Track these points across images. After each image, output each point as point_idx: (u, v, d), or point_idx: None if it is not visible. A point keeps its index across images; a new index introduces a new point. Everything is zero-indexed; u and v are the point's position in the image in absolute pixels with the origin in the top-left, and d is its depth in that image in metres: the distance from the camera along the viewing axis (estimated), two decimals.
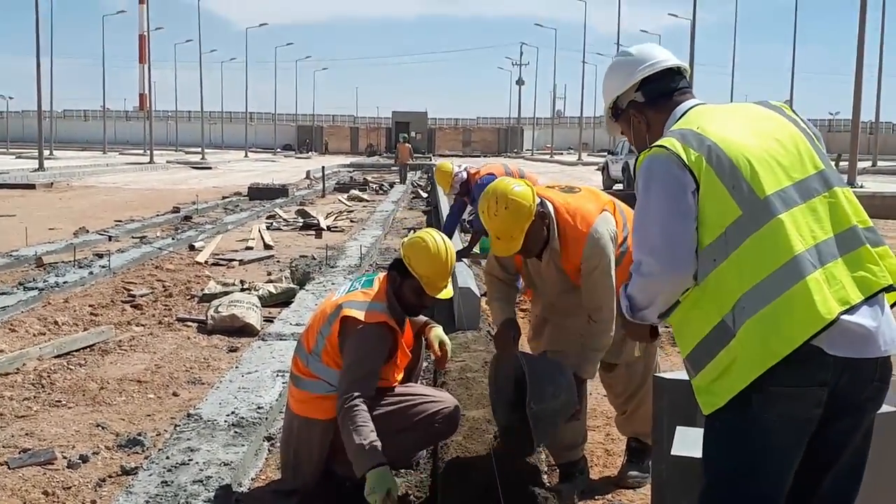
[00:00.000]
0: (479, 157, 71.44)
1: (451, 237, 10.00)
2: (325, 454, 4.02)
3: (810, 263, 2.34)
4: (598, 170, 35.63)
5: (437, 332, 4.38)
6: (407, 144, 35.19)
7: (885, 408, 2.74)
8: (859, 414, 2.47)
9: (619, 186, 27.25)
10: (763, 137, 2.52)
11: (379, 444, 3.70)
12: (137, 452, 4.64)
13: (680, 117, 2.66)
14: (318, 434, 4.01)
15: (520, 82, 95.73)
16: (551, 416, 3.86)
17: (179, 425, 4.74)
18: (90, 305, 8.40)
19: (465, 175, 9.60)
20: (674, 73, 2.78)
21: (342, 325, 3.93)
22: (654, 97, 2.76)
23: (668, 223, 2.45)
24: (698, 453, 2.91)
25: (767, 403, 2.34)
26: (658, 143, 2.53)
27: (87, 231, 14.55)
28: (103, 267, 10.44)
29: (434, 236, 4.07)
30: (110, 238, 13.89)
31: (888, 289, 2.42)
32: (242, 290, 8.77)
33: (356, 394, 3.80)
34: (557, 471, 4.42)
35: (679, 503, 2.91)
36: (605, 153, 37.81)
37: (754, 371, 2.31)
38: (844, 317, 2.30)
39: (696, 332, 2.44)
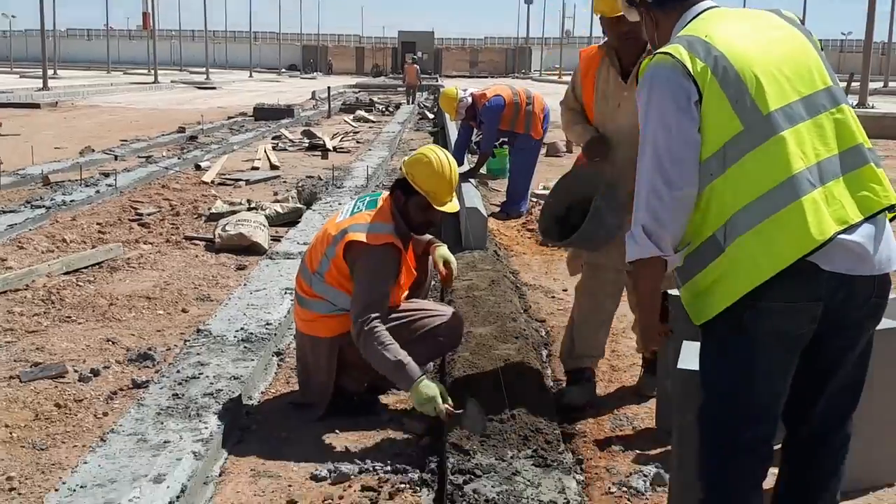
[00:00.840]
0: (486, 77, 70.62)
1: (460, 163, 9.97)
2: (333, 370, 4.07)
3: (809, 182, 2.31)
4: None
5: (442, 250, 4.39)
6: (415, 65, 34.80)
7: (884, 322, 2.75)
8: (857, 330, 2.47)
9: None
10: (774, 49, 2.46)
11: (410, 358, 3.79)
12: (148, 367, 4.69)
13: (691, 20, 2.58)
14: (324, 351, 4.07)
15: (528, 1, 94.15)
16: (594, 239, 4.07)
17: (189, 340, 4.78)
18: (98, 223, 8.41)
19: (469, 99, 9.49)
20: None
21: (347, 249, 3.94)
22: None
23: (669, 136, 2.40)
24: None
25: (759, 319, 2.34)
26: (664, 49, 2.47)
27: (93, 150, 14.48)
28: (110, 186, 10.43)
29: (436, 151, 4.08)
30: (116, 157, 13.84)
31: (890, 208, 2.39)
32: (249, 209, 8.76)
33: (372, 315, 3.83)
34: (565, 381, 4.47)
35: (685, 416, 2.93)
36: None
37: (742, 287, 2.32)
38: (842, 236, 2.29)
39: (690, 242, 2.44)
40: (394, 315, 4.09)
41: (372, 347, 3.81)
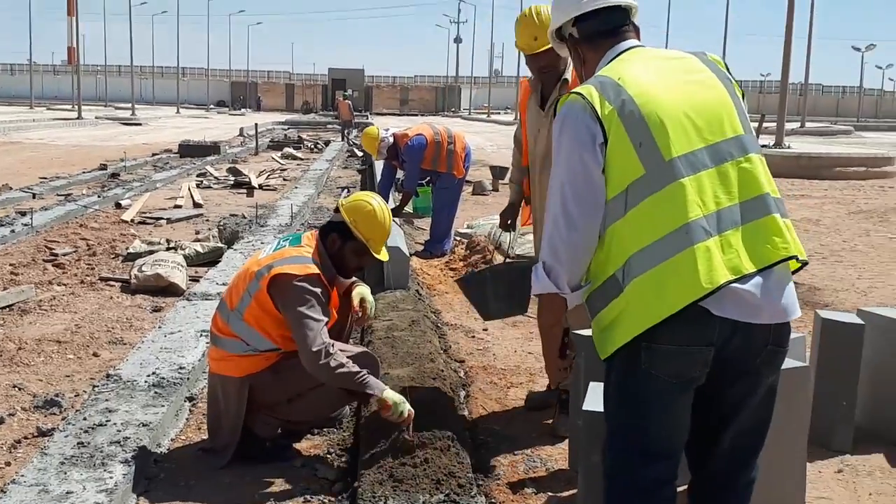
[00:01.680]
0: (416, 115, 71.05)
1: (385, 200, 9.98)
2: (243, 411, 4.01)
3: (703, 230, 2.35)
4: None
5: (361, 289, 4.41)
6: (346, 101, 34.91)
7: (789, 363, 2.83)
8: (755, 376, 2.51)
9: None
10: (686, 95, 2.50)
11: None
12: (55, 413, 4.56)
13: (612, 59, 2.63)
14: (233, 391, 4.01)
15: (457, 40, 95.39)
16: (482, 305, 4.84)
17: (98, 386, 4.67)
18: (10, 264, 8.19)
19: (391, 139, 9.55)
20: (617, 11, 2.70)
21: (272, 283, 3.90)
22: (590, 35, 2.72)
23: (574, 176, 2.46)
24: None
25: (654, 360, 2.39)
26: (578, 89, 2.51)
27: (10, 188, 14.14)
28: (25, 225, 10.18)
29: (376, 200, 4.19)
30: (34, 195, 13.53)
31: (792, 258, 2.43)
32: (168, 248, 8.63)
33: (326, 343, 3.85)
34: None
35: (590, 457, 2.96)
36: None
37: (636, 328, 2.37)
38: (735, 285, 2.33)
39: (594, 280, 2.50)
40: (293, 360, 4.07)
41: (334, 373, 3.86)
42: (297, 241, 4.10)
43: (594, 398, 3.05)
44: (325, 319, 3.93)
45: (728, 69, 2.66)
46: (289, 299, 3.88)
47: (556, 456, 4.16)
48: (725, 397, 2.50)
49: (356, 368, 3.89)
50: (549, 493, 3.77)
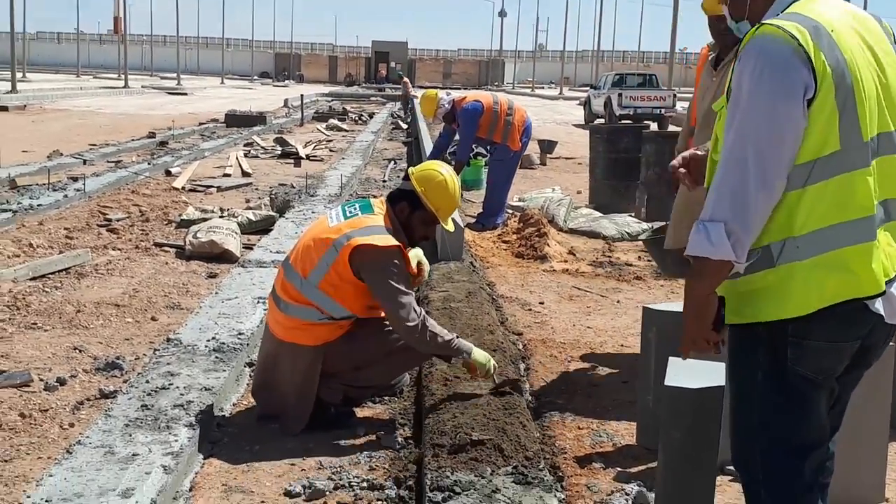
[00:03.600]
0: (459, 89, 70.68)
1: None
2: (317, 380, 3.97)
3: (877, 224, 2.18)
4: (579, 104, 35.37)
5: (416, 251, 4.36)
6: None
7: None
8: (868, 367, 2.43)
9: (600, 121, 27.04)
10: (878, 67, 2.23)
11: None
12: (116, 376, 4.55)
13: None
14: (306, 361, 3.96)
15: (502, 14, 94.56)
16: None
17: (159, 349, 4.66)
18: (65, 229, 8.23)
19: (450, 103, 9.40)
20: None
21: (355, 254, 3.86)
22: None
23: (776, 127, 2.12)
24: (692, 384, 2.89)
25: (803, 356, 2.24)
26: (781, 23, 2.15)
27: (62, 154, 14.25)
28: (78, 190, 10.25)
29: (446, 170, 4.18)
30: (85, 162, 13.63)
31: None
32: (221, 216, 8.63)
33: (420, 312, 3.90)
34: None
35: (671, 433, 2.87)
36: (588, 87, 37.52)
37: (790, 310, 2.19)
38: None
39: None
40: (373, 327, 4.02)
41: (432, 343, 3.91)
42: (368, 209, 4.04)
43: (675, 373, 2.95)
44: (413, 292, 3.94)
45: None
46: (376, 272, 3.87)
47: (623, 431, 4.08)
48: (841, 382, 2.39)
49: (449, 336, 3.95)
50: (619, 469, 3.69)
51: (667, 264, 5.22)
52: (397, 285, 3.86)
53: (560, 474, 3.65)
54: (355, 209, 4.07)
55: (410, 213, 4.07)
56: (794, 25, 2.14)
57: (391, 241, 3.90)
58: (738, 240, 2.14)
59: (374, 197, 4.28)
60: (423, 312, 3.97)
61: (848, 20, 2.26)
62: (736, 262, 2.18)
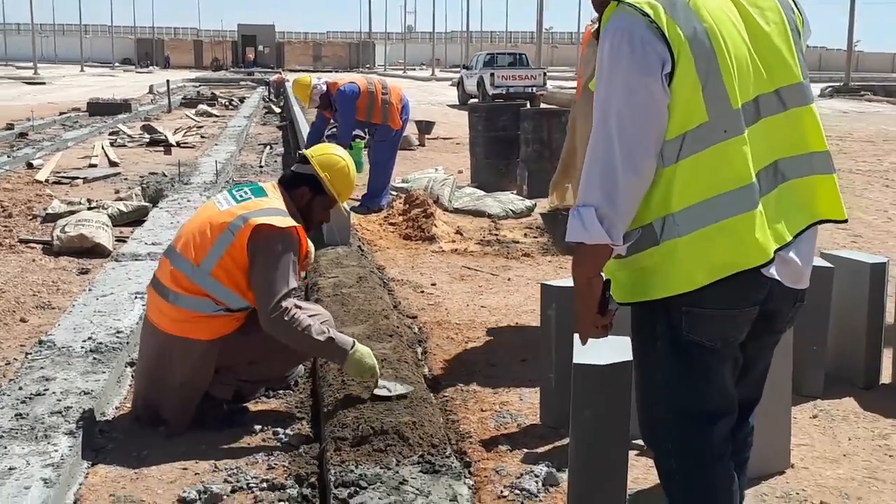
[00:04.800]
0: (330, 72, 69.91)
1: None
2: (209, 377, 3.76)
3: (758, 191, 2.11)
4: (452, 85, 35.49)
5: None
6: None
7: None
8: (778, 334, 2.41)
9: (474, 101, 27.12)
10: (753, 28, 2.17)
11: (333, 329, 3.83)
12: None
13: None
14: (199, 355, 3.73)
15: None
16: None
17: (31, 353, 4.33)
18: None
19: (324, 87, 9.17)
20: None
21: (253, 235, 3.66)
22: None
23: (636, 106, 2.06)
24: (600, 360, 2.83)
25: (698, 325, 2.18)
26: (636, 1, 2.07)
27: None
28: None
29: (345, 155, 4.14)
30: None
31: (828, 220, 2.28)
32: (90, 208, 8.18)
33: (289, 301, 3.66)
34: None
35: (582, 412, 2.81)
36: (461, 68, 37.61)
37: (680, 285, 2.13)
38: (782, 251, 2.15)
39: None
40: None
41: (296, 334, 3.66)
42: (261, 192, 3.86)
43: (582, 350, 2.88)
44: (296, 284, 3.75)
45: None
46: (264, 251, 3.67)
47: (526, 411, 4.01)
48: (746, 350, 2.35)
49: (320, 336, 3.68)
50: (526, 450, 3.61)
51: (560, 238, 5.27)
52: (277, 271, 3.65)
53: (467, 459, 3.55)
54: (246, 193, 3.87)
55: (311, 198, 3.96)
56: (647, 1, 2.07)
57: (291, 222, 3.75)
58: (612, 224, 2.09)
59: (268, 181, 4.08)
60: (295, 307, 3.68)
61: None
62: (613, 246, 2.13)
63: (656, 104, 2.06)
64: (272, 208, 3.78)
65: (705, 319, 2.18)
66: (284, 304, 3.63)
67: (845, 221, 2.32)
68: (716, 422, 2.34)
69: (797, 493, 3.27)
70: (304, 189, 3.96)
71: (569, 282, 3.90)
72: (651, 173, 2.11)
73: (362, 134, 9.58)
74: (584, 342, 2.38)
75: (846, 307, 4.26)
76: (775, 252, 2.13)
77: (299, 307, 3.74)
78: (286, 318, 3.62)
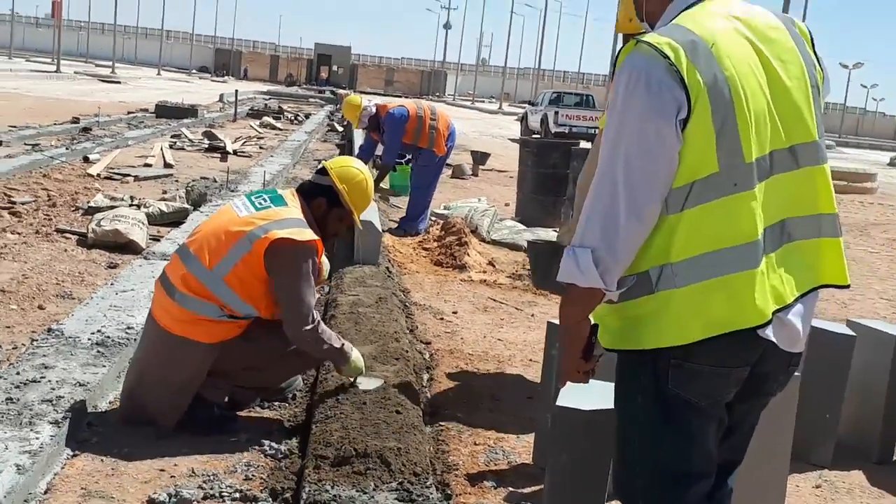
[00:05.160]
0: (399, 97, 70.57)
1: None
2: (202, 379, 3.75)
3: (762, 249, 2.03)
4: (517, 120, 35.50)
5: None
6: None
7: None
8: (768, 396, 2.30)
9: (536, 137, 27.10)
10: (773, 81, 2.09)
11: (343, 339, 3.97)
12: None
13: (692, 4, 2.14)
14: (196, 357, 3.72)
15: (447, 26, 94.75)
16: None
17: (37, 340, 4.36)
18: None
19: (374, 109, 9.21)
20: None
21: (271, 248, 3.66)
22: None
23: (647, 151, 1.98)
24: (584, 405, 2.73)
25: (685, 379, 2.08)
26: (654, 40, 2.01)
27: None
28: None
29: (364, 169, 4.15)
30: (0, 143, 13.08)
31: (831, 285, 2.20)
32: (131, 205, 8.28)
33: (316, 317, 3.78)
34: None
35: (560, 456, 2.72)
36: (526, 104, 37.68)
37: (672, 338, 2.04)
38: (780, 313, 2.06)
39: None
40: (268, 327, 3.80)
41: (320, 343, 3.80)
42: (280, 201, 3.87)
43: (567, 394, 2.79)
44: (316, 296, 3.84)
45: (814, 46, 2.23)
46: (287, 267, 3.69)
47: (520, 449, 3.91)
48: (733, 411, 2.23)
49: (339, 345, 3.86)
50: (511, 489, 3.52)
51: (537, 276, 5.20)
52: (304, 284, 3.70)
53: (448, 492, 3.46)
54: (265, 201, 3.87)
55: (328, 209, 3.96)
56: (668, 42, 2.00)
57: (310, 234, 3.76)
58: (607, 268, 2.01)
59: (280, 190, 4.07)
60: (319, 317, 3.81)
61: (737, 31, 2.10)
62: (606, 291, 2.04)
63: (668, 149, 1.99)
64: (292, 219, 3.78)
65: (694, 375, 2.09)
66: (313, 317, 3.74)
67: (847, 287, 2.23)
68: (693, 484, 2.23)
69: None
70: (321, 200, 3.96)
71: None
72: (654, 220, 2.03)
73: (405, 158, 9.60)
74: (562, 385, 2.30)
75: (866, 378, 4.10)
76: (773, 313, 2.04)
77: (323, 326, 3.86)
78: (318, 333, 3.75)
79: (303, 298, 3.70)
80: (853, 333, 4.01)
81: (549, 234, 9.01)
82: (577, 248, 2.03)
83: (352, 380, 3.97)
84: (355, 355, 3.95)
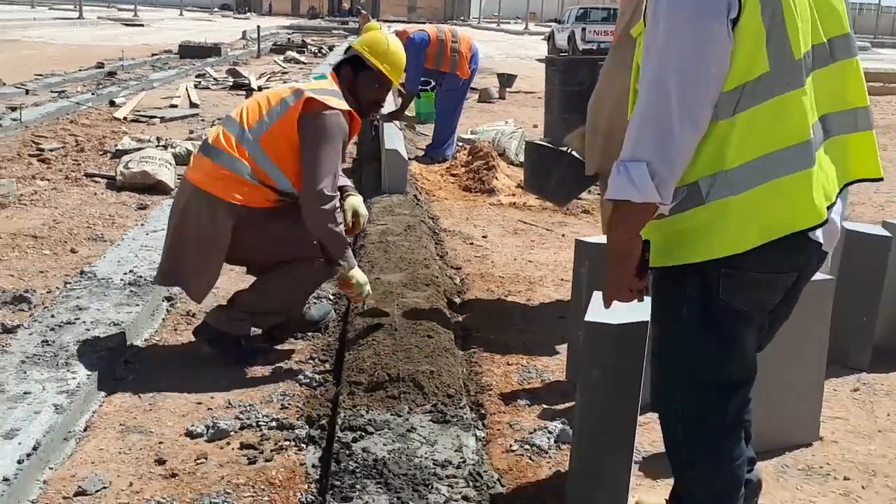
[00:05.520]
0: (423, 23, 69.60)
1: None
2: (224, 242, 3.72)
3: (815, 147, 1.99)
4: (544, 39, 34.90)
5: (354, 200, 4.12)
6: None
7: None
8: (798, 295, 2.27)
9: (564, 55, 26.66)
10: None
11: None
12: (23, 310, 4.29)
13: None
14: (218, 215, 3.69)
15: None
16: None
17: (70, 282, 4.41)
18: None
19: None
20: None
21: (306, 108, 3.69)
22: None
23: (700, 53, 1.92)
24: (613, 319, 2.70)
25: (737, 289, 2.07)
26: None
27: (3, 84, 13.69)
28: (14, 120, 9.81)
29: (388, 35, 4.08)
30: (27, 91, 13.09)
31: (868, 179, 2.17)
32: (158, 146, 8.28)
33: (332, 189, 3.70)
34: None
35: (590, 371, 2.69)
36: (552, 23, 37.01)
37: (720, 251, 2.01)
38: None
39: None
40: (287, 220, 3.77)
41: (328, 226, 3.70)
42: (320, 77, 3.91)
43: (597, 308, 2.76)
44: (341, 166, 3.81)
45: None
46: (317, 130, 3.70)
47: (553, 367, 3.91)
48: (769, 318, 2.22)
49: (345, 238, 3.81)
50: (544, 406, 3.52)
51: (530, 179, 5.05)
52: (328, 150, 3.69)
53: (483, 412, 3.48)
54: (309, 79, 3.89)
55: (354, 76, 3.94)
56: None
57: (343, 104, 3.78)
58: (663, 180, 1.94)
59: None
60: (337, 199, 3.77)
61: None
62: (661, 204, 1.98)
63: (721, 50, 1.93)
64: (328, 89, 3.83)
65: (746, 284, 2.07)
66: (330, 189, 3.68)
67: (881, 179, 2.19)
68: (735, 393, 2.24)
69: (821, 467, 3.11)
70: (347, 69, 3.96)
71: (600, 239, 3.79)
72: (705, 127, 1.97)
73: (430, 84, 9.45)
74: (608, 306, 2.24)
75: None
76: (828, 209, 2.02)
77: (336, 203, 3.76)
78: (330, 208, 3.68)
79: (323, 163, 3.67)
80: (889, 234, 3.92)
81: None
82: (627, 163, 1.95)
83: (359, 304, 4.01)
84: (358, 270, 3.88)
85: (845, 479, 3.04)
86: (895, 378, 3.88)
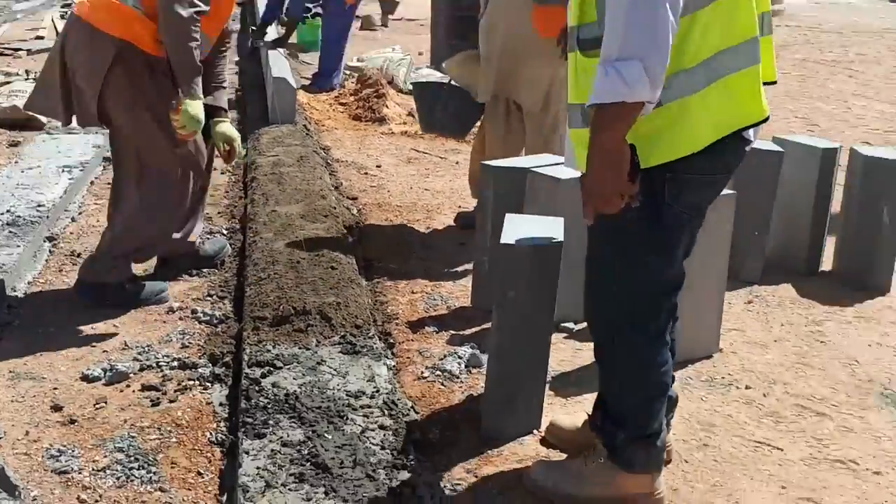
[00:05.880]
0: None
1: (267, 25, 9.25)
2: (99, 81, 3.42)
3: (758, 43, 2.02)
4: None
5: (224, 127, 3.83)
6: None
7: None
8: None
9: None
10: None
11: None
12: None
13: None
14: (98, 45, 3.40)
15: None
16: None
17: None
18: None
19: None
20: None
21: None
22: None
23: None
24: (529, 242, 2.67)
25: (682, 191, 2.09)
26: None
27: None
28: None
29: None
30: None
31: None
32: (27, 80, 7.81)
33: (191, 8, 3.34)
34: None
35: (507, 293, 2.67)
36: None
37: (679, 151, 2.01)
38: None
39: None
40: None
41: (182, 43, 3.38)
42: None
43: (511, 230, 2.73)
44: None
45: None
46: None
47: (458, 293, 3.88)
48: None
49: (195, 63, 3.45)
50: (452, 332, 3.50)
51: (432, 119, 4.96)
52: None
53: (391, 341, 3.43)
54: None
55: None
56: None
57: None
58: (656, 76, 1.87)
59: None
60: (198, 23, 3.42)
61: None
62: (648, 103, 1.91)
63: None
64: None
65: (689, 186, 2.10)
66: (190, 4, 3.36)
67: (775, 83, 2.23)
68: (668, 298, 2.29)
69: (722, 378, 3.19)
70: None
71: (508, 162, 3.75)
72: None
73: (319, 12, 9.17)
74: (591, 221, 2.14)
75: (793, 193, 4.12)
76: None
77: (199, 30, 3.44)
78: (185, 11, 3.34)
79: None
80: (781, 150, 4.01)
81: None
82: (617, 63, 1.86)
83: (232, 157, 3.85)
84: (198, 103, 3.48)
85: (747, 387, 3.13)
86: (785, 290, 4.00)
